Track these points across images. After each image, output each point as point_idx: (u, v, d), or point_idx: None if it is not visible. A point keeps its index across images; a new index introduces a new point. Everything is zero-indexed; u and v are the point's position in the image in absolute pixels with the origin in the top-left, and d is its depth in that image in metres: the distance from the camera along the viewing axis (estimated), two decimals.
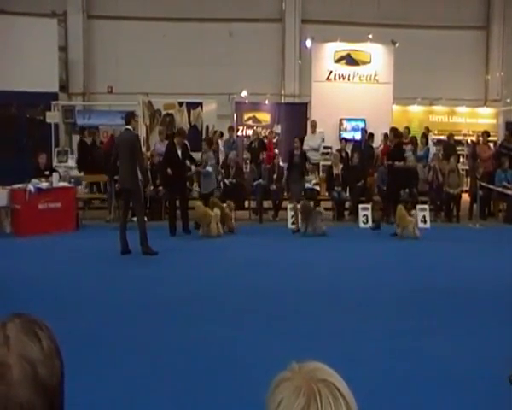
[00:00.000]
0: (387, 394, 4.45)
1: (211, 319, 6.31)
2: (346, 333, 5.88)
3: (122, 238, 9.97)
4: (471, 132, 19.85)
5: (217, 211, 11.98)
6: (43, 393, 0.98)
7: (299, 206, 12.60)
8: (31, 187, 12.32)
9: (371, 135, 16.30)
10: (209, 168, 13.10)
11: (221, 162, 15.32)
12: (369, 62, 18.25)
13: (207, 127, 16.97)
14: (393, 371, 4.88)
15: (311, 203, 13.23)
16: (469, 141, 19.12)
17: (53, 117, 16.72)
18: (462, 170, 16.42)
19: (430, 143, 16.51)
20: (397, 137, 13.18)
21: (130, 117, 10.54)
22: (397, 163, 12.84)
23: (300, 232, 12.16)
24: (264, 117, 18.73)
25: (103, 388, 4.47)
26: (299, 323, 6.22)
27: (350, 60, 18.27)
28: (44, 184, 12.77)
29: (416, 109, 20.20)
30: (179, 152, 12.31)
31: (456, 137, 18.08)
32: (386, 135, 15.70)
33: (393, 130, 13.41)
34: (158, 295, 7.33)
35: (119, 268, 9.03)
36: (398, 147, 13.12)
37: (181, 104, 16.84)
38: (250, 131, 17.63)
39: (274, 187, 14.31)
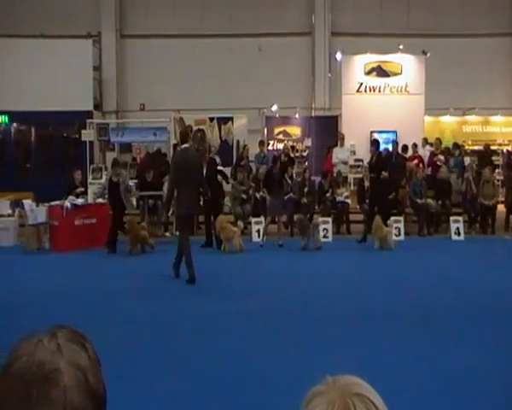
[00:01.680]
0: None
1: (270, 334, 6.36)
2: (381, 345, 5.84)
3: (190, 265, 8.87)
4: (506, 142, 19.52)
5: (240, 224, 12.10)
6: (93, 399, 1.02)
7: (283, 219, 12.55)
8: (67, 204, 12.66)
9: (405, 147, 16.18)
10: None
11: (252, 176, 15.42)
12: (400, 73, 18.16)
13: (238, 142, 17.12)
14: (428, 385, 4.84)
15: (306, 217, 13.15)
16: (505, 150, 18.79)
17: (88, 135, 17.13)
18: (498, 180, 16.15)
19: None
20: (376, 149, 13.08)
21: (185, 134, 9.60)
22: (384, 173, 12.71)
23: (300, 247, 11.96)
24: (295, 131, 18.80)
25: (148, 401, 4.56)
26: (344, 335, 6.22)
27: (380, 71, 18.22)
28: (80, 201, 13.10)
29: (448, 120, 19.96)
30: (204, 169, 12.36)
31: (490, 147, 17.80)
32: (415, 145, 15.61)
33: (374, 142, 13.29)
34: (204, 311, 7.40)
35: (154, 283, 9.15)
36: (379, 159, 13.02)
37: (212, 119, 17.05)
38: (281, 145, 17.71)
39: (305, 200, 14.33)
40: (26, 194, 14.44)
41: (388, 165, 14.87)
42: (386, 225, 12.19)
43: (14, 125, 19.24)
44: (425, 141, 17.08)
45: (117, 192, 12.21)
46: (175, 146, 14.50)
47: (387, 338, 6.19)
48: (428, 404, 4.57)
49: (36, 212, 13.35)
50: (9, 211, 13.97)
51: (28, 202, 13.80)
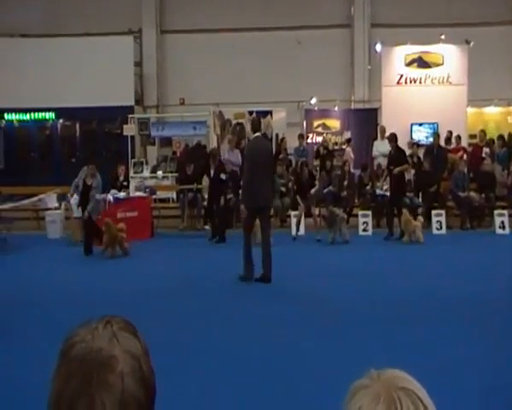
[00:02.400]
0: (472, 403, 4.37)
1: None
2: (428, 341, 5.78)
3: (250, 263, 8.42)
4: None
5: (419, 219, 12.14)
6: (145, 387, 1.05)
7: (316, 211, 12.44)
8: (110, 197, 12.98)
9: (448, 139, 15.90)
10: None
11: (291, 170, 15.44)
12: (442, 64, 17.83)
13: (277, 135, 17.15)
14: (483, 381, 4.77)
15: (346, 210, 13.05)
16: None
17: (129, 130, 17.47)
18: None
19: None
20: (393, 142, 12.79)
21: (256, 123, 9.14)
22: (398, 169, 12.49)
23: (328, 241, 11.89)
24: (334, 124, 18.70)
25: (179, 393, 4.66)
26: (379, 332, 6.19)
27: (421, 62, 17.93)
28: (122, 194, 13.39)
29: (492, 111, 19.48)
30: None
31: None
32: (458, 137, 15.32)
33: (391, 136, 12.98)
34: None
35: (197, 274, 9.28)
36: (398, 152, 12.76)
37: (251, 113, 17.13)
38: (320, 138, 17.65)
39: (345, 194, 14.26)
40: None
41: (429, 158, 14.67)
42: (415, 219, 12.07)
43: (61, 121, 19.78)
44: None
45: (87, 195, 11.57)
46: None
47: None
48: None
49: None
50: (56, 204, 14.41)
51: (73, 196, 14.18)
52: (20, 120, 19.42)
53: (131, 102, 18.79)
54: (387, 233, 12.51)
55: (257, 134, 8.65)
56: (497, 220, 13.04)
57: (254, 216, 8.61)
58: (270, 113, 17.40)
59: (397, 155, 12.73)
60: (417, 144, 16.05)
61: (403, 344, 5.66)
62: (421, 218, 12.35)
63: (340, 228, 12.03)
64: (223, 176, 12.92)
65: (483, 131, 16.24)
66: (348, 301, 7.47)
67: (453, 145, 16.06)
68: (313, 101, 19.00)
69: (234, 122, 17.26)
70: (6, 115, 19.23)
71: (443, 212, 13.41)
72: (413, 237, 11.79)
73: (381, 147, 15.25)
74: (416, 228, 11.79)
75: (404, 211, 12.07)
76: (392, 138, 12.86)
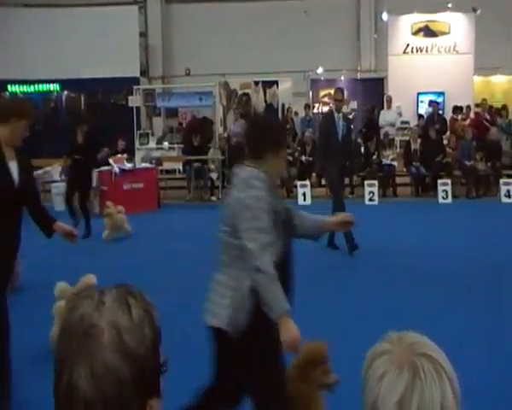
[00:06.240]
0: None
1: None
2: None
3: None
4: None
5: None
6: (130, 360, 1.01)
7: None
8: (116, 169, 12.99)
9: (456, 108, 15.81)
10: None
11: (297, 140, 15.43)
12: (448, 33, 17.63)
13: (283, 106, 17.08)
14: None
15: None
16: None
17: (135, 101, 17.42)
18: None
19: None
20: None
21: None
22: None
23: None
24: None
25: None
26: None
27: (428, 31, 17.74)
28: (128, 166, 13.42)
29: (499, 79, 19.29)
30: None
31: None
32: (468, 107, 15.24)
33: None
34: None
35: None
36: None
37: (257, 83, 17.05)
38: (326, 108, 17.55)
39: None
40: None
41: (432, 126, 14.55)
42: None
43: (65, 92, 19.73)
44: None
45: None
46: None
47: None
48: None
49: None
50: (62, 176, 14.46)
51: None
52: (23, 92, 19.35)
53: (137, 74, 18.70)
54: None
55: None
56: (503, 189, 13.04)
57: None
58: (276, 83, 17.30)
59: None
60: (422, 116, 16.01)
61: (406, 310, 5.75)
62: None
63: None
64: None
65: (485, 100, 16.16)
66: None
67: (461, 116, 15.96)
68: (319, 70, 18.87)
69: (240, 93, 17.18)
70: (9, 87, 19.11)
71: (449, 181, 13.41)
72: None
73: (388, 116, 15.22)
74: None
75: None
76: None
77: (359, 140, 14.66)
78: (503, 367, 4.43)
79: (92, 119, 13.81)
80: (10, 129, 3.65)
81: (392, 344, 1.04)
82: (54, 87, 19.26)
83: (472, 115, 15.86)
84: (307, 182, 13.62)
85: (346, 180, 12.23)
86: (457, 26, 17.62)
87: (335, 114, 8.71)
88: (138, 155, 15.90)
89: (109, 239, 9.74)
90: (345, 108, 17.92)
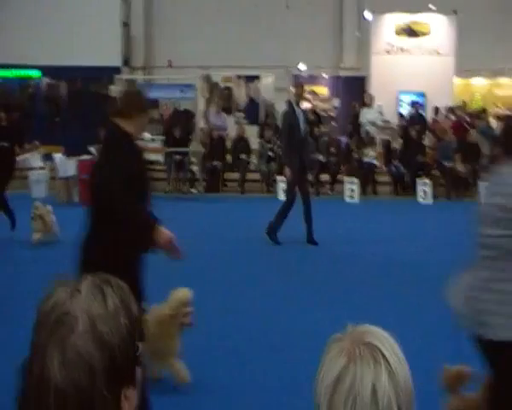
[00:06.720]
0: None
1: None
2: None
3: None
4: None
5: None
6: (104, 348, 1.01)
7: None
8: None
9: (437, 109, 16.00)
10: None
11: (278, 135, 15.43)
12: (429, 34, 17.77)
13: (264, 101, 17.07)
14: None
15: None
16: None
17: (116, 91, 17.20)
18: None
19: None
20: None
21: None
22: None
23: None
24: (322, 90, 18.65)
25: None
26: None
27: (410, 31, 17.89)
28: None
29: (479, 82, 19.44)
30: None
31: None
32: (450, 109, 15.42)
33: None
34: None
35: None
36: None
37: (239, 77, 17.00)
38: (308, 105, 17.59)
39: (332, 160, 14.35)
40: (57, 147, 14.69)
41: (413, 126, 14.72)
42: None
43: (45, 79, 19.39)
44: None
45: None
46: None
47: None
48: None
49: (66, 165, 13.64)
50: (41, 164, 14.27)
51: (58, 156, 14.08)
52: (1, 77, 18.98)
53: (118, 63, 18.50)
54: None
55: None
56: (483, 191, 13.21)
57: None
58: (258, 77, 17.29)
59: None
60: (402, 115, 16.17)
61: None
62: None
63: None
64: None
65: (464, 103, 16.39)
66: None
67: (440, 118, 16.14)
68: (302, 67, 18.88)
69: (222, 86, 17.12)
70: None
71: (428, 181, 13.55)
72: None
73: (369, 115, 15.33)
74: None
75: None
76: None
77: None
78: None
79: (22, 105, 13.38)
80: (134, 124, 3.63)
81: (345, 334, 1.10)
82: (34, 73, 18.92)
83: (453, 117, 16.06)
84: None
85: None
86: (438, 27, 17.79)
87: (296, 109, 8.72)
88: None
89: (38, 243, 9.10)
90: (327, 105, 18.22)
